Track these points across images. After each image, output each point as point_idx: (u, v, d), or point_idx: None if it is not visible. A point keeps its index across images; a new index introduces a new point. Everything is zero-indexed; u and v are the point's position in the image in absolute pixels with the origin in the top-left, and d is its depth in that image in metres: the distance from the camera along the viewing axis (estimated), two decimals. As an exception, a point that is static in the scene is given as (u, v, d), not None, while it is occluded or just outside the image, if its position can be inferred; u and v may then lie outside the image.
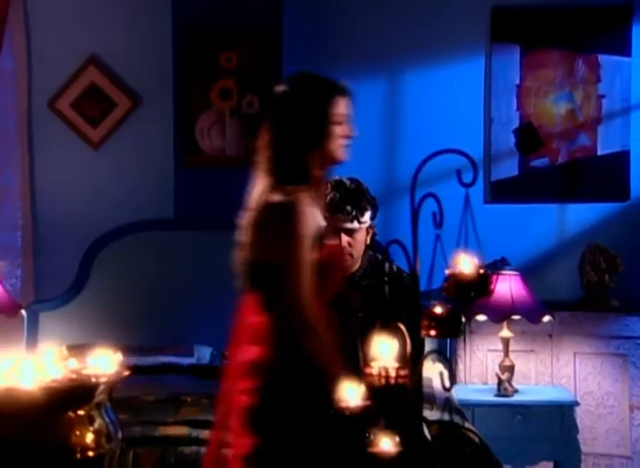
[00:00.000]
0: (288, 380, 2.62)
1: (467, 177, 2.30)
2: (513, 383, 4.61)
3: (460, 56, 5.28)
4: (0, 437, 1.73)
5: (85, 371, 1.88)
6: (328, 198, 3.13)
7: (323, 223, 2.67)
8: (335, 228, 3.12)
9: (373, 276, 3.21)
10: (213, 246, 4.92)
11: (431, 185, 2.55)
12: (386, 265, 3.23)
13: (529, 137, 5.25)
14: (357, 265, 3.24)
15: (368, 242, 3.22)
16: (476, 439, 3.40)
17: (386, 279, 3.17)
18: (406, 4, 5.26)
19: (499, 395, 4.52)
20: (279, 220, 2.62)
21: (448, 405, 3.42)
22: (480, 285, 2.17)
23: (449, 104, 5.26)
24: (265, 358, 2.62)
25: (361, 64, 5.26)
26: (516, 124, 5.25)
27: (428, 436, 3.15)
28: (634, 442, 4.80)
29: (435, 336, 2.15)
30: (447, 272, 2.17)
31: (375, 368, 2.05)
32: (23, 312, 4.86)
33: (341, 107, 2.80)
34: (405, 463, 2.89)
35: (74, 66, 5.28)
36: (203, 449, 3.29)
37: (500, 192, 5.26)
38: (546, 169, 5.25)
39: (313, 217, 2.62)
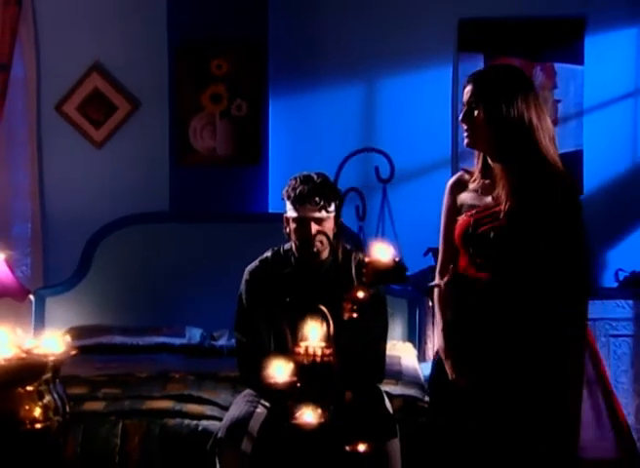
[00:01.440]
0: None
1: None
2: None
3: (430, 63, 5.37)
4: None
5: (35, 351, 1.91)
6: (297, 191, 3.21)
7: None
8: (305, 218, 3.20)
9: (341, 265, 3.27)
10: (204, 236, 5.04)
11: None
12: (354, 254, 3.30)
13: (492, 138, 5.34)
14: (326, 255, 3.30)
15: (335, 231, 3.29)
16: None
17: (354, 267, 3.25)
18: (381, 15, 5.34)
19: (462, 371, 4.61)
20: None
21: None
22: (395, 271, 2.25)
23: (420, 108, 5.35)
24: None
25: (341, 70, 5.35)
26: (481, 125, 5.34)
27: (390, 408, 3.24)
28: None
29: (356, 318, 2.23)
30: (366, 260, 2.26)
31: (302, 347, 2.13)
32: (32, 297, 4.93)
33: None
34: (368, 432, 3.00)
35: (79, 74, 5.33)
36: (186, 422, 3.38)
37: (466, 188, 5.34)
38: (509, 166, 5.33)
39: None
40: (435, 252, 5.16)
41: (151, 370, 3.98)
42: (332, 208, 3.23)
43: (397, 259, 2.27)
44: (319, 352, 2.12)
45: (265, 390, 3.16)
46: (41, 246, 5.33)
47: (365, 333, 3.18)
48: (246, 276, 3.36)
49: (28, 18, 5.33)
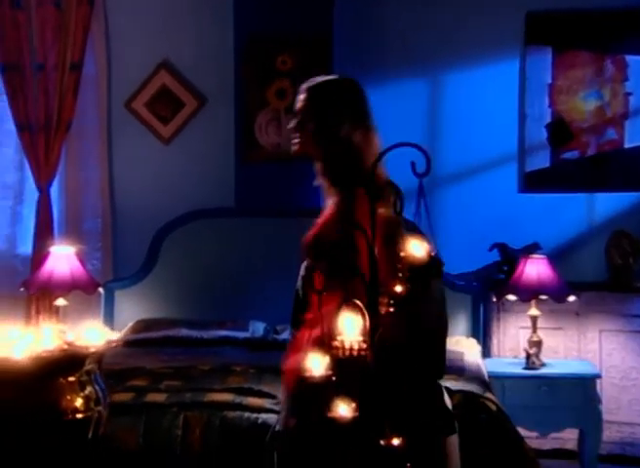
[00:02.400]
0: None
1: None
2: (543, 358, 4.61)
3: (496, 58, 5.28)
4: None
5: (78, 343, 1.92)
6: None
7: None
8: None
9: None
10: (268, 231, 5.04)
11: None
12: None
13: (560, 132, 5.23)
14: None
15: None
16: (493, 407, 3.40)
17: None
18: (447, 10, 5.27)
19: (526, 368, 4.53)
20: None
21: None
22: (430, 266, 2.19)
23: (486, 102, 5.27)
24: None
25: (406, 65, 5.30)
26: (548, 119, 5.23)
27: (449, 404, 3.18)
28: (655, 411, 4.79)
29: (390, 313, 2.18)
30: (401, 254, 2.20)
31: (339, 341, 2.09)
32: (101, 290, 5.00)
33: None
34: (425, 428, 2.95)
35: (148, 71, 5.39)
36: (246, 415, 3.37)
37: (533, 182, 5.25)
38: (576, 161, 5.22)
39: None
40: (501, 247, 5.10)
41: (214, 362, 3.98)
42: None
43: (433, 254, 2.21)
44: (356, 346, 2.08)
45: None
46: (111, 240, 5.40)
47: (424, 329, 3.14)
48: (302, 271, 3.33)
49: (100, 17, 5.41)
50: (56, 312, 4.97)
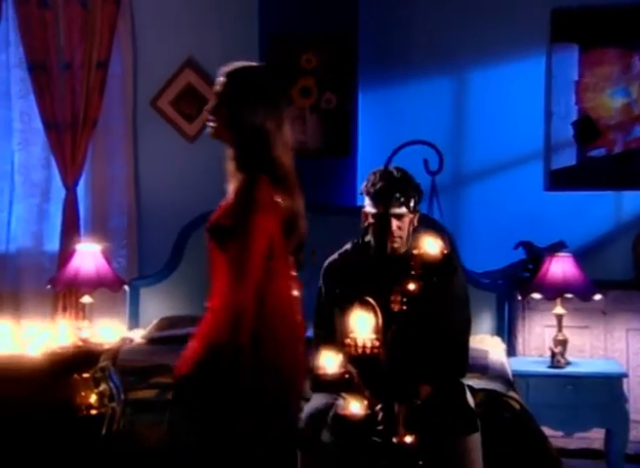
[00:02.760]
0: None
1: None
2: (568, 356, 4.58)
3: (522, 55, 5.23)
4: (10, 397, 1.78)
5: (92, 340, 1.92)
6: (377, 187, 3.15)
7: None
8: (384, 214, 3.14)
9: None
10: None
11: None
12: None
13: (587, 129, 5.18)
14: (405, 247, 3.24)
15: (415, 224, 3.23)
16: (517, 405, 3.38)
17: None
18: (472, 7, 5.24)
19: (551, 367, 4.49)
20: None
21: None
22: (444, 264, 2.19)
23: (512, 100, 5.23)
24: None
25: (431, 63, 5.28)
26: (575, 117, 5.18)
27: (472, 403, 3.16)
28: (682, 410, 4.74)
29: (404, 311, 2.17)
30: (414, 252, 2.19)
31: (352, 339, 2.09)
32: (126, 287, 5.01)
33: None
34: (448, 426, 2.94)
35: (173, 69, 5.40)
36: None
37: (559, 180, 5.20)
38: (603, 158, 5.17)
39: None
40: (526, 245, 5.06)
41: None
42: (412, 203, 3.16)
43: (446, 252, 2.20)
44: (368, 344, 2.07)
45: (344, 383, 3.15)
46: (136, 238, 5.42)
47: (447, 327, 3.13)
48: (325, 270, 3.33)
49: (126, 15, 5.43)
50: (81, 309, 5.00)
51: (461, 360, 3.19)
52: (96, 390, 1.87)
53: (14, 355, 1.79)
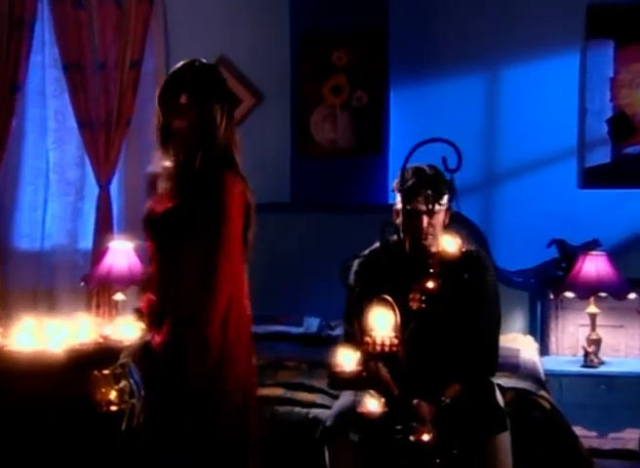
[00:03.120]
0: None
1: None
2: (603, 356, 4.53)
3: (556, 52, 5.16)
4: (31, 392, 1.80)
5: (113, 337, 1.93)
6: (409, 183, 3.13)
7: None
8: (416, 211, 3.12)
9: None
10: (324, 227, 5.02)
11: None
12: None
13: (622, 126, 5.10)
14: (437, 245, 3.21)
15: (447, 222, 3.20)
16: (547, 405, 3.34)
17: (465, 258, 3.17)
18: (505, 3, 5.19)
19: (585, 366, 4.45)
20: None
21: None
22: (463, 262, 2.17)
23: (545, 97, 5.16)
24: None
25: (463, 60, 5.22)
26: (609, 114, 5.11)
27: (501, 402, 3.13)
28: None
29: (423, 309, 2.15)
30: (432, 250, 2.17)
31: (371, 336, 2.07)
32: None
33: None
34: (478, 426, 2.91)
35: (205, 68, 5.42)
36: (296, 409, 3.36)
37: (594, 178, 5.12)
38: (638, 156, 5.08)
39: None
40: (560, 243, 5.01)
41: (267, 357, 3.98)
42: (443, 200, 3.13)
43: (464, 250, 2.19)
44: (387, 342, 2.06)
45: (373, 380, 3.13)
46: (171, 235, 5.43)
47: (477, 325, 3.10)
48: (355, 267, 3.31)
49: (159, 14, 5.45)
50: (114, 306, 5.03)
51: (491, 359, 3.16)
52: (116, 386, 1.87)
53: (36, 351, 1.80)
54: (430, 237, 3.15)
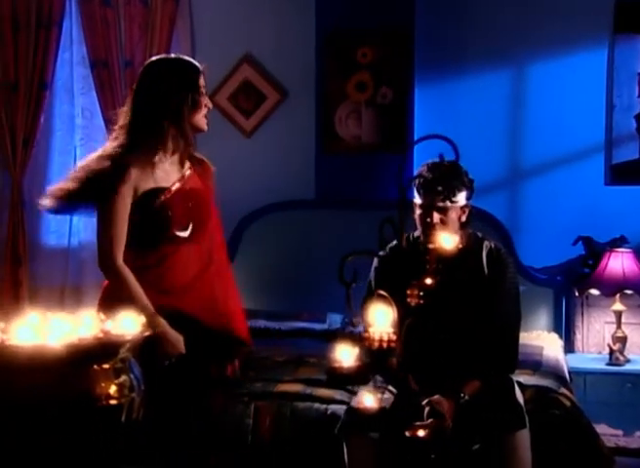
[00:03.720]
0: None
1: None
2: (629, 354, 4.48)
3: (583, 46, 5.11)
4: (30, 387, 1.79)
5: (113, 331, 1.93)
6: (423, 178, 3.13)
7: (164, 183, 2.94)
8: (428, 206, 3.12)
9: (472, 252, 3.18)
10: (348, 223, 5.01)
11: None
12: (485, 243, 3.21)
13: (650, 122, 5.05)
14: (456, 241, 3.19)
15: (464, 220, 3.18)
16: (567, 403, 3.30)
17: (485, 255, 3.15)
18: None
19: (610, 364, 4.40)
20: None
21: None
22: (460, 259, 2.16)
23: (572, 93, 5.11)
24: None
25: (489, 56, 5.19)
26: (637, 110, 5.04)
27: (521, 400, 3.10)
28: None
29: (421, 305, 2.15)
30: (429, 246, 2.17)
31: (371, 332, 2.08)
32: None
33: (202, 81, 3.06)
34: (497, 423, 2.90)
35: (231, 65, 5.41)
36: (315, 405, 3.36)
37: (621, 174, 5.07)
38: (667, 152, 5.04)
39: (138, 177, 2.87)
40: (586, 240, 4.96)
41: (289, 353, 3.99)
42: (457, 197, 3.11)
43: (461, 246, 2.18)
44: (385, 337, 2.06)
45: (392, 376, 3.13)
46: (194, 231, 5.45)
47: (496, 322, 3.08)
48: (375, 263, 3.31)
49: (185, 12, 5.47)
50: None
51: (511, 356, 3.14)
52: (115, 381, 1.87)
53: (35, 345, 1.81)
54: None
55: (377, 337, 2.08)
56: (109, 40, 5.43)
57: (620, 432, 4.39)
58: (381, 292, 2.17)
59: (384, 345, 2.08)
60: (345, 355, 2.09)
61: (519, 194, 5.23)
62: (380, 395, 2.07)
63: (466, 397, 2.99)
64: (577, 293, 4.66)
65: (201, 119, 3.05)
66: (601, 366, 4.40)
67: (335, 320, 4.66)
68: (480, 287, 3.12)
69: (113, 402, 1.83)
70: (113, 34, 5.44)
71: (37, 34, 5.46)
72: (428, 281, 2.14)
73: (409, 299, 2.14)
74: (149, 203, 2.92)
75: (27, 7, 5.46)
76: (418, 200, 3.17)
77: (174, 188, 2.98)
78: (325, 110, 5.18)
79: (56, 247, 5.60)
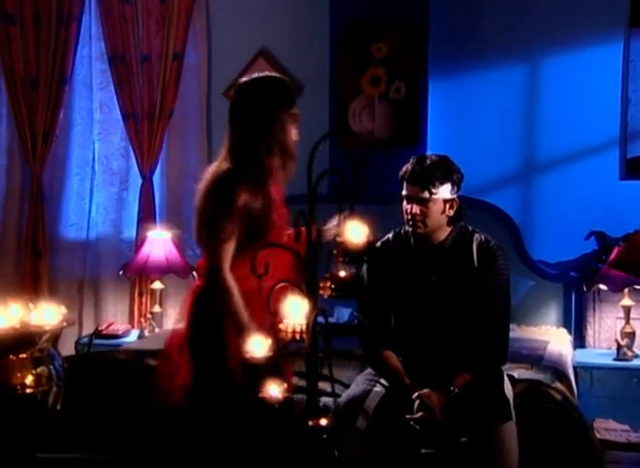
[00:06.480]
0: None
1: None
2: (638, 350, 4.57)
3: (599, 40, 5.18)
4: None
5: (32, 322, 2.02)
6: (405, 169, 3.26)
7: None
8: (408, 197, 3.25)
9: (462, 246, 3.29)
10: (361, 217, 5.11)
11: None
12: (476, 236, 3.31)
13: (666, 117, 5.12)
14: (444, 235, 3.32)
15: (450, 214, 3.28)
16: (558, 396, 3.40)
17: (475, 248, 3.27)
18: (547, -7, 5.24)
19: (617, 359, 4.49)
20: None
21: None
22: (368, 252, 2.19)
23: (587, 86, 5.19)
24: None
25: (503, 50, 5.28)
26: (654, 104, 5.13)
27: (509, 393, 3.20)
28: None
29: (333, 297, 2.21)
30: (338, 239, 2.22)
31: (285, 324, 2.17)
32: (195, 273, 5.21)
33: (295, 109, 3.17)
34: (483, 415, 3.02)
35: (246, 59, 5.55)
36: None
37: (636, 169, 5.14)
38: (682, 147, 5.10)
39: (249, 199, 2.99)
40: (598, 235, 5.04)
41: (292, 346, 4.09)
42: (437, 189, 3.20)
43: (371, 239, 2.26)
44: (298, 329, 2.16)
45: (384, 370, 3.26)
46: (207, 225, 5.60)
47: (485, 314, 3.19)
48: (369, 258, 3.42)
49: (202, 7, 5.63)
50: (152, 295, 5.25)
51: (501, 348, 3.23)
52: (33, 371, 1.95)
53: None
54: (421, 225, 3.25)
55: (289, 329, 2.19)
56: (127, 35, 5.61)
57: (627, 427, 4.48)
58: (294, 284, 2.26)
59: (297, 337, 2.18)
60: (257, 345, 2.19)
61: (533, 188, 5.32)
62: (270, 342, 2.17)
63: (456, 390, 3.11)
64: (585, 289, 4.74)
65: (294, 131, 3.20)
66: (608, 361, 4.49)
67: (343, 313, 4.78)
68: (470, 280, 3.23)
69: (29, 391, 1.93)
70: (131, 29, 5.62)
71: (57, 30, 5.66)
72: (342, 273, 2.22)
73: (321, 291, 2.23)
74: (256, 216, 3.07)
75: (48, 3, 5.66)
76: (402, 191, 3.29)
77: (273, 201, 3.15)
78: (339, 105, 5.30)
79: (75, 240, 5.79)
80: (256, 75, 3.23)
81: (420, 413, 3.06)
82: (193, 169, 5.61)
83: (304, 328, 2.15)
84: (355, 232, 2.22)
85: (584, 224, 5.06)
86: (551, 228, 5.20)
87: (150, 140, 5.56)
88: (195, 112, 5.64)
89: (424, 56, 5.21)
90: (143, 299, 5.52)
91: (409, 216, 3.27)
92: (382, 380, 3.26)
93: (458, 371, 3.14)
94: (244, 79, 3.23)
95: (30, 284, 5.64)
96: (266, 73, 3.31)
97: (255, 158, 3.09)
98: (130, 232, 5.68)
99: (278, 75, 3.30)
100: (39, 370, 1.98)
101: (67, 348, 5.19)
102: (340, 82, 5.32)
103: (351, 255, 2.22)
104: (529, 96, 5.32)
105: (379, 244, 3.39)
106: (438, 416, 3.05)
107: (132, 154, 5.64)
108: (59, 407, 1.99)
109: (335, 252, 2.23)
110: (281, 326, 2.20)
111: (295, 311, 2.18)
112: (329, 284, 2.21)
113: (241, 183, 3.02)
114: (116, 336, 5.00)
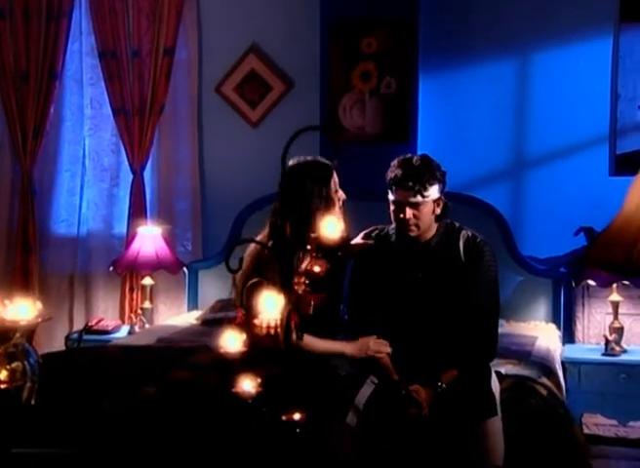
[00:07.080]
0: None
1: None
2: (627, 345, 4.60)
3: (588, 36, 5.21)
4: None
5: (7, 317, 2.04)
6: (393, 174, 3.29)
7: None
8: (400, 202, 3.27)
9: (449, 242, 3.33)
10: (352, 213, 5.10)
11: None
12: (463, 232, 3.34)
13: (655, 112, 5.15)
14: (432, 233, 3.35)
15: (438, 213, 3.32)
16: (544, 392, 3.44)
17: (462, 245, 3.30)
18: (537, -12, 5.27)
19: (605, 354, 4.53)
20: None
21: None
22: (342, 249, 2.19)
23: (577, 82, 5.21)
24: None
25: (493, 45, 5.31)
26: (642, 100, 5.16)
27: (496, 388, 3.24)
28: None
29: (307, 293, 2.23)
30: (311, 235, 2.24)
31: (259, 319, 2.19)
32: (185, 270, 5.26)
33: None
34: (467, 411, 3.06)
35: (237, 55, 5.59)
36: None
37: (625, 165, 5.15)
38: (672, 142, 5.13)
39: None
40: (587, 231, 5.07)
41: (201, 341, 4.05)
42: (428, 192, 3.23)
43: (345, 236, 2.27)
44: (272, 324, 2.18)
45: (373, 366, 3.30)
46: (200, 221, 5.63)
47: (473, 310, 3.23)
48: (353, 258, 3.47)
49: (192, 3, 5.64)
50: (143, 291, 5.28)
51: (489, 343, 3.27)
52: (7, 366, 1.97)
53: None
54: (414, 228, 3.28)
55: (264, 324, 2.21)
56: (117, 30, 5.63)
57: (615, 422, 4.53)
58: (271, 280, 2.28)
59: (272, 331, 2.20)
60: (231, 340, 2.20)
61: (523, 184, 5.36)
62: (259, 379, 2.19)
63: (444, 385, 3.15)
64: (574, 284, 4.78)
65: (336, 211, 3.36)
66: (596, 356, 4.53)
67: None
68: (457, 276, 3.27)
69: (3, 386, 1.93)
70: (121, 25, 5.64)
71: (47, 25, 5.68)
72: (317, 269, 2.24)
73: (295, 287, 2.24)
74: None
75: (38, -2, 5.68)
76: (390, 196, 3.31)
77: None
78: (329, 100, 5.32)
79: (65, 236, 5.82)
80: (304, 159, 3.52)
81: (409, 409, 3.09)
82: (184, 164, 5.66)
83: (278, 323, 2.16)
84: (330, 228, 2.22)
85: (574, 220, 5.08)
86: (541, 224, 5.24)
87: (141, 136, 5.59)
88: (186, 108, 5.66)
89: (415, 51, 5.23)
90: (134, 295, 5.55)
91: (399, 221, 3.28)
92: (372, 377, 3.29)
93: (445, 367, 3.18)
94: (295, 161, 3.51)
95: (21, 280, 5.67)
96: (315, 157, 3.59)
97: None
98: (120, 228, 5.70)
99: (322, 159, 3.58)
100: (14, 365, 1.99)
101: (58, 343, 5.24)
102: (330, 77, 5.34)
103: (325, 251, 2.23)
104: (519, 91, 5.35)
105: (374, 234, 3.43)
106: (425, 411, 3.09)
107: (122, 150, 5.66)
108: (33, 402, 2.01)
109: (309, 247, 2.23)
110: (256, 321, 2.22)
111: (270, 307, 2.19)
112: (303, 279, 2.22)
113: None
114: (106, 332, 5.03)
